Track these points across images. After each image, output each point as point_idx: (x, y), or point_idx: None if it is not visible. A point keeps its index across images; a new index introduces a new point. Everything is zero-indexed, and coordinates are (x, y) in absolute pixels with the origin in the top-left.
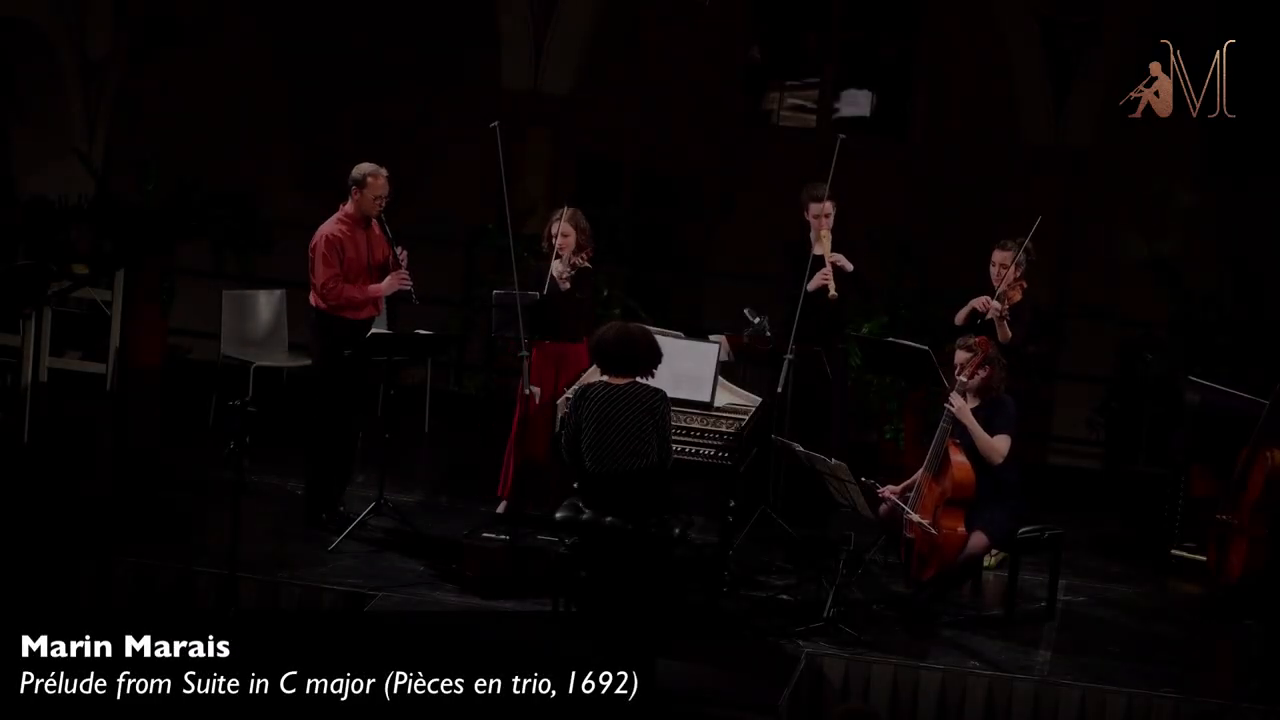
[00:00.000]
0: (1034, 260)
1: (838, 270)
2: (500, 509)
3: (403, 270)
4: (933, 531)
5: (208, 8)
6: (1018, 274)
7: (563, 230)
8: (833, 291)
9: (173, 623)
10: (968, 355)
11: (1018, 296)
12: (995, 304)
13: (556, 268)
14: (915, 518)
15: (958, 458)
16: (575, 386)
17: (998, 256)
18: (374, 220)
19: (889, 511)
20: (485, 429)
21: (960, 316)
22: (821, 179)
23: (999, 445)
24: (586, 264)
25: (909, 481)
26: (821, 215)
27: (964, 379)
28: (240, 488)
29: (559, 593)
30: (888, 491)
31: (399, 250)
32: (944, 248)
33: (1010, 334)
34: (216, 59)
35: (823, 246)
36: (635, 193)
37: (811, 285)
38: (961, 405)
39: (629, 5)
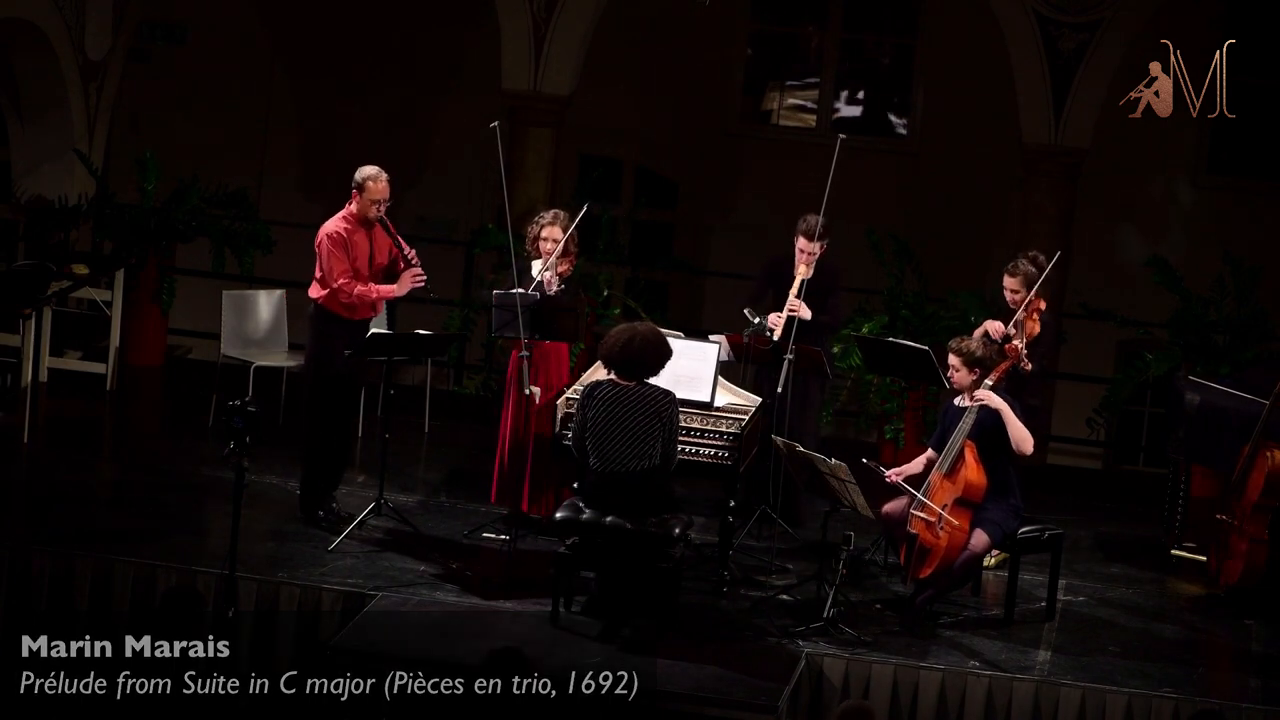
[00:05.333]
0: (1045, 272)
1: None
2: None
3: (416, 268)
4: (953, 521)
5: (208, 7)
6: (1033, 298)
7: (553, 235)
8: (777, 335)
9: (173, 623)
10: (959, 359)
11: (1036, 329)
12: (1018, 345)
13: (545, 271)
14: (931, 504)
15: (972, 459)
16: (583, 383)
17: (1009, 282)
18: (377, 223)
19: (889, 512)
20: (485, 429)
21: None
22: (820, 185)
23: (1029, 435)
24: (568, 271)
25: (910, 467)
26: (804, 252)
27: (990, 381)
28: (240, 488)
29: (559, 593)
30: (893, 475)
31: (409, 251)
32: (944, 248)
33: (1031, 365)
34: (216, 59)
35: (795, 286)
36: (635, 193)
37: (770, 323)
38: (999, 400)
39: (629, 5)
